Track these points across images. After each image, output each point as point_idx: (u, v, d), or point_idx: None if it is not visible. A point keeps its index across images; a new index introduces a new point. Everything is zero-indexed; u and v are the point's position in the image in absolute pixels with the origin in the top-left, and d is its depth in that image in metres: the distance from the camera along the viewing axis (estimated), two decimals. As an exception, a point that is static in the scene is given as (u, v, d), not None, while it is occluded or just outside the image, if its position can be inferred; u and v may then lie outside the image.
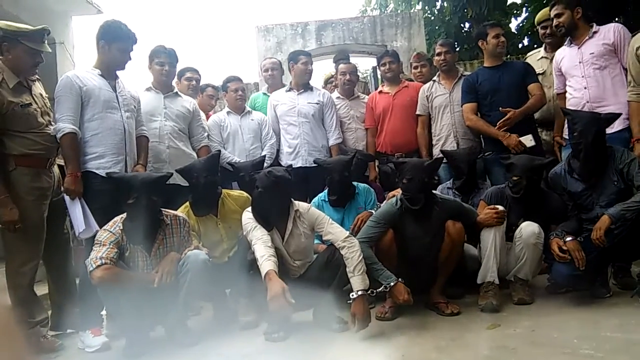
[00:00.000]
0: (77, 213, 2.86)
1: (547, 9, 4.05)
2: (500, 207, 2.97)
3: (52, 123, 2.95)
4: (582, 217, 3.02)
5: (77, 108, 2.96)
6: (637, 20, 7.71)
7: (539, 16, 4.13)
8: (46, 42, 2.93)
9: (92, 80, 3.04)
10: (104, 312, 2.97)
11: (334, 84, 4.79)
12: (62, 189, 2.97)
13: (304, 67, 4.18)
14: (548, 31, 3.95)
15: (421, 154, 4.02)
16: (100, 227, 2.77)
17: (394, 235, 2.88)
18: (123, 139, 3.08)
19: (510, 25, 11.06)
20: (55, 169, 3.04)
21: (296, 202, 2.89)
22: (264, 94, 4.57)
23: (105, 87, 3.08)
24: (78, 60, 5.65)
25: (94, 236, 2.74)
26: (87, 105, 3.00)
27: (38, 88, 3.00)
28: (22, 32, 2.81)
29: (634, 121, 3.18)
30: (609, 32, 3.40)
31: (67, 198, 2.89)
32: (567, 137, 3.52)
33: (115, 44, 3.07)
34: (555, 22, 3.51)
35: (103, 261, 2.51)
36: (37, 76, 3.02)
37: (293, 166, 3.93)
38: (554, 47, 3.97)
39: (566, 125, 3.51)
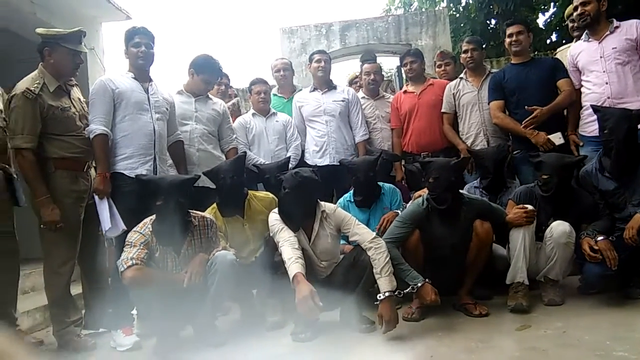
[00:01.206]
0: (104, 212, 2.93)
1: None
2: (530, 207, 2.92)
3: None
4: (615, 216, 2.95)
5: (109, 110, 3.05)
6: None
7: (568, 10, 4.01)
8: (83, 43, 3.03)
9: (124, 83, 3.13)
10: (134, 312, 3.04)
11: (358, 84, 4.77)
12: None
13: (317, 64, 4.21)
14: (577, 24, 3.85)
15: (457, 147, 3.95)
16: (129, 227, 2.84)
17: (420, 236, 2.87)
18: (152, 140, 3.14)
19: (538, 20, 10.82)
20: (92, 172, 3.11)
21: (322, 202, 2.90)
22: (274, 94, 4.58)
23: (138, 89, 3.16)
24: (108, 66, 5.77)
25: (124, 237, 2.80)
26: (119, 107, 3.09)
27: (76, 93, 3.11)
28: (60, 35, 2.92)
29: None
30: (632, 27, 3.31)
31: (96, 198, 2.97)
32: (582, 133, 3.46)
33: (130, 42, 3.18)
34: (580, 10, 3.40)
35: (134, 262, 2.56)
36: (75, 81, 3.12)
37: (320, 165, 3.96)
38: None
39: (583, 122, 3.46)
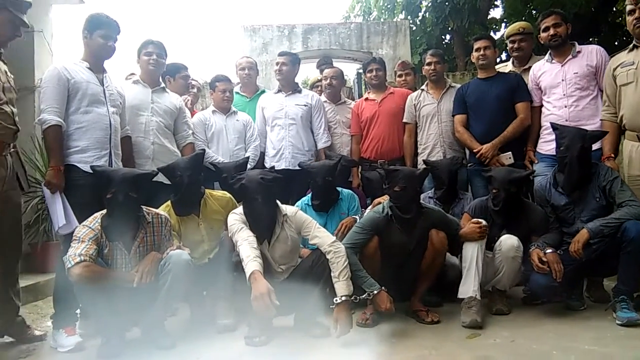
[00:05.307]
0: (57, 207, 2.76)
1: (516, 24, 4.13)
2: (484, 222, 2.98)
3: (13, 105, 2.74)
4: (564, 231, 3.08)
5: (63, 100, 2.88)
6: (612, 42, 8.00)
7: (508, 31, 4.15)
8: (26, 15, 2.76)
9: (80, 73, 2.97)
10: (78, 311, 2.88)
11: (319, 88, 4.77)
12: (19, 180, 2.80)
13: (277, 66, 4.21)
14: (516, 45, 3.97)
15: (405, 162, 4.04)
16: (80, 222, 2.69)
17: (378, 242, 2.88)
18: (108, 133, 3.01)
19: (490, 39, 11.24)
20: (9, 159, 2.76)
21: (283, 206, 2.87)
22: (237, 92, 4.51)
23: (93, 81, 3.01)
24: (56, 50, 5.47)
25: (71, 232, 2.65)
26: (73, 98, 2.93)
27: (3, 66, 2.78)
28: None
29: (606, 140, 3.25)
30: (592, 53, 3.47)
31: (47, 192, 2.79)
32: (540, 151, 3.59)
33: (96, 31, 3.01)
34: (552, 31, 3.50)
35: (82, 258, 2.43)
36: (2, 57, 2.82)
37: (276, 168, 3.91)
38: (521, 61, 4.01)
39: (541, 140, 3.59)
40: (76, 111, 2.93)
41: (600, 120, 3.33)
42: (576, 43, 3.55)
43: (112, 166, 2.98)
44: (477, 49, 3.79)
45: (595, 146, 3.27)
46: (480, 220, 3.00)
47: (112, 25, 3.06)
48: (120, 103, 3.19)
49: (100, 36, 3.01)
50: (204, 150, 3.48)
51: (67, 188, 2.84)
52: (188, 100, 4.32)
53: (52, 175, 2.78)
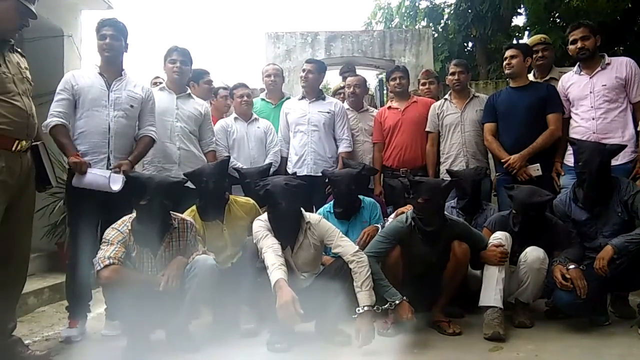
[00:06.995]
0: (98, 176, 2.88)
1: (537, 35, 4.11)
2: (506, 244, 2.94)
3: (28, 97, 2.57)
4: (585, 246, 3.04)
5: (67, 105, 3.01)
6: (638, 52, 7.87)
7: (530, 41, 4.12)
8: (35, 5, 2.57)
9: (85, 78, 3.07)
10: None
11: (342, 95, 4.80)
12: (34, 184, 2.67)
13: (302, 73, 4.25)
14: (540, 54, 3.95)
15: (428, 172, 4.04)
16: (74, 228, 2.91)
17: (400, 252, 2.89)
18: (106, 137, 3.04)
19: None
20: (27, 158, 2.56)
21: (307, 213, 2.90)
22: (262, 99, 4.59)
23: (98, 85, 3.07)
24: (85, 55, 5.61)
25: (75, 233, 2.87)
26: (78, 104, 3.05)
27: (16, 57, 2.59)
28: None
29: None
30: (622, 65, 3.42)
31: (83, 178, 2.87)
32: (567, 163, 3.54)
33: (98, 34, 3.10)
34: (580, 44, 3.46)
35: (111, 261, 2.49)
36: (17, 48, 2.64)
37: (299, 175, 3.94)
38: (543, 71, 3.98)
39: (568, 152, 3.53)
40: (80, 117, 3.04)
41: (637, 131, 3.28)
42: (606, 55, 3.51)
43: None
44: (505, 58, 3.78)
45: (625, 159, 3.24)
46: (502, 244, 2.94)
47: (109, 24, 3.08)
48: (132, 106, 3.15)
49: (99, 38, 3.09)
50: (229, 156, 3.53)
51: (68, 190, 2.99)
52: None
53: (73, 160, 2.86)
